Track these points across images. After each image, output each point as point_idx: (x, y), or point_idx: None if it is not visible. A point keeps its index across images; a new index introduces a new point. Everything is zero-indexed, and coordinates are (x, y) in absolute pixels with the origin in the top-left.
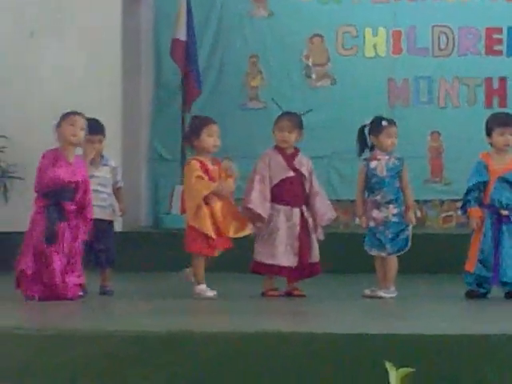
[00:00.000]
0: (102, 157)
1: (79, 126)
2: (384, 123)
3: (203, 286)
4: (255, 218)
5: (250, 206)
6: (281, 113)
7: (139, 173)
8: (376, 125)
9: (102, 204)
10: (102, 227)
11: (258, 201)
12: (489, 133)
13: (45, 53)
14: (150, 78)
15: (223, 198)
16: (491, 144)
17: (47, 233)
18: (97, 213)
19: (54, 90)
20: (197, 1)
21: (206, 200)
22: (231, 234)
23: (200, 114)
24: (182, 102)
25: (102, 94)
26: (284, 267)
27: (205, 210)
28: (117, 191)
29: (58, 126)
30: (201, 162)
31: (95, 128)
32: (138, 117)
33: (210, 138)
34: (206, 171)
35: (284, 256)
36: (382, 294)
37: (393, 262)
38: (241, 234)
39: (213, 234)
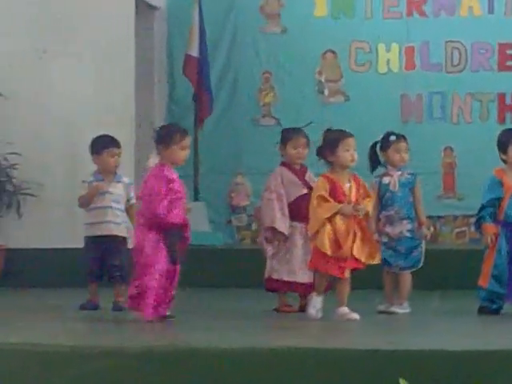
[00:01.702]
0: (115, 174)
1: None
2: (392, 138)
3: (345, 309)
4: (276, 236)
5: (276, 226)
6: (287, 129)
7: None
8: (385, 140)
9: (116, 220)
10: (115, 243)
11: (282, 220)
12: (503, 148)
13: (57, 70)
14: (163, 94)
15: (359, 219)
16: (504, 160)
17: (171, 254)
18: (111, 229)
19: (68, 107)
20: (210, 17)
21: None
22: (363, 260)
23: (213, 130)
24: (194, 117)
25: (116, 111)
26: (301, 283)
27: (327, 228)
28: (130, 208)
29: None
30: (330, 179)
31: (115, 142)
32: (151, 133)
33: (347, 153)
34: (335, 188)
35: (300, 273)
36: (395, 309)
37: (407, 278)
38: (371, 262)
39: (329, 252)
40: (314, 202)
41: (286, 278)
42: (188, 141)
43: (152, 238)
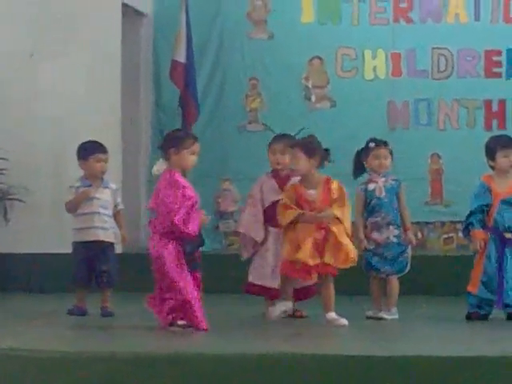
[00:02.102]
0: (102, 179)
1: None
2: (371, 145)
3: (333, 314)
4: (248, 241)
5: (241, 230)
6: (274, 135)
7: (139, 194)
8: (366, 147)
9: (103, 226)
10: (103, 249)
11: (249, 224)
12: (491, 155)
13: (45, 74)
14: (149, 100)
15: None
16: (492, 167)
17: (191, 263)
18: (98, 235)
19: (55, 112)
20: (197, 23)
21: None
22: (338, 265)
23: (200, 136)
24: (181, 123)
25: (102, 116)
26: (271, 289)
27: (289, 234)
28: (117, 214)
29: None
30: (295, 188)
31: (102, 147)
32: (137, 138)
33: (273, 156)
34: (299, 196)
35: (271, 277)
36: (384, 315)
37: (394, 284)
38: (345, 266)
39: (286, 256)
40: (278, 209)
41: (257, 282)
42: (198, 146)
43: (172, 249)
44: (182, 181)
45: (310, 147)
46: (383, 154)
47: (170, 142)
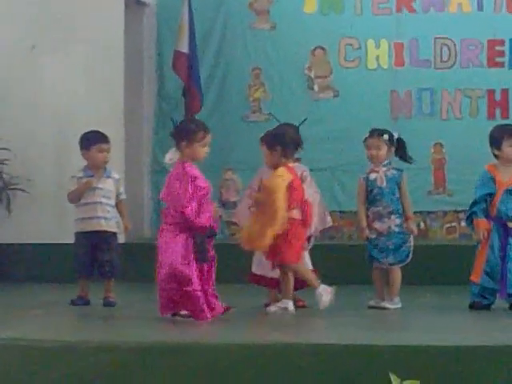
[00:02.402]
0: (104, 169)
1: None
2: (365, 135)
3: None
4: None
5: (235, 220)
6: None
7: (142, 184)
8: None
9: (106, 216)
10: (106, 239)
11: (244, 214)
12: (497, 144)
13: (47, 66)
14: (152, 90)
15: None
16: (496, 156)
17: (201, 255)
18: (101, 225)
19: (57, 103)
20: (199, 13)
21: None
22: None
23: None
24: (184, 113)
25: (105, 106)
26: (271, 279)
27: None
28: (119, 203)
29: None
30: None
31: (104, 137)
32: (140, 128)
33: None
34: None
35: (269, 267)
36: (386, 305)
37: (397, 274)
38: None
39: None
40: None
41: (258, 272)
42: (209, 138)
43: (181, 240)
44: (194, 171)
45: (269, 140)
46: (374, 144)
47: (181, 135)
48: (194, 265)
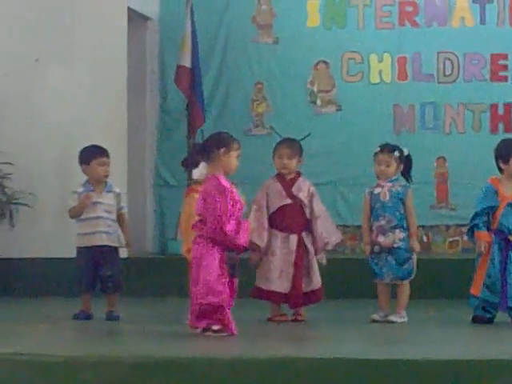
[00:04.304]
0: (105, 183)
1: None
2: (375, 150)
3: None
4: (252, 246)
5: None
6: (279, 140)
7: (145, 199)
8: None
9: (107, 230)
10: (108, 253)
11: (253, 229)
12: (504, 158)
13: (50, 79)
14: (155, 104)
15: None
16: (501, 170)
17: (231, 269)
18: (103, 239)
19: (60, 117)
20: (202, 27)
21: None
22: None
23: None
24: (187, 127)
25: (108, 120)
26: (277, 293)
27: None
28: (120, 217)
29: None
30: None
31: (104, 151)
32: (143, 143)
33: (279, 160)
34: None
35: (278, 282)
36: (393, 318)
37: (406, 287)
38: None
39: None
40: None
41: (263, 286)
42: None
43: (217, 253)
44: (229, 186)
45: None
46: (383, 160)
47: (218, 143)
48: (226, 280)
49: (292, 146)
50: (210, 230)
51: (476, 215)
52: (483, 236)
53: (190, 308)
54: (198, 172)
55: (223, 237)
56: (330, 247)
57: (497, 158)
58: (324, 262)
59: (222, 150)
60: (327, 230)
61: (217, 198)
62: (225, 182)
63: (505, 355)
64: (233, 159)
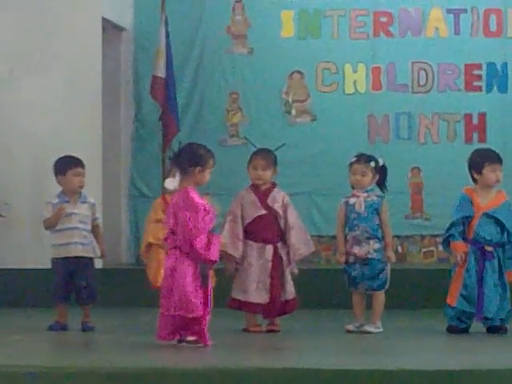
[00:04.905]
0: (80, 194)
1: None
2: (351, 160)
3: None
4: (227, 257)
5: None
6: (254, 150)
7: (120, 210)
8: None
9: (82, 241)
10: (83, 264)
11: (228, 240)
12: (478, 169)
13: (25, 90)
14: (129, 115)
15: None
16: (476, 180)
17: (203, 277)
18: (78, 250)
19: (35, 127)
20: (177, 38)
21: None
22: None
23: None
24: (161, 138)
25: (83, 131)
26: (255, 304)
27: None
28: (95, 228)
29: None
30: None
31: (79, 161)
32: (118, 153)
33: (254, 171)
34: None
35: (255, 293)
36: (369, 328)
37: (381, 297)
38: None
39: None
40: None
41: (241, 298)
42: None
43: (191, 266)
44: (200, 200)
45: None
46: (357, 169)
47: (194, 161)
48: (200, 291)
49: (267, 156)
50: (181, 243)
51: (452, 225)
52: (459, 246)
53: (159, 321)
54: (171, 185)
55: (193, 253)
56: (299, 258)
57: (470, 169)
58: (296, 271)
59: (198, 168)
60: (300, 241)
61: (188, 214)
62: (196, 197)
63: (479, 365)
64: (207, 175)
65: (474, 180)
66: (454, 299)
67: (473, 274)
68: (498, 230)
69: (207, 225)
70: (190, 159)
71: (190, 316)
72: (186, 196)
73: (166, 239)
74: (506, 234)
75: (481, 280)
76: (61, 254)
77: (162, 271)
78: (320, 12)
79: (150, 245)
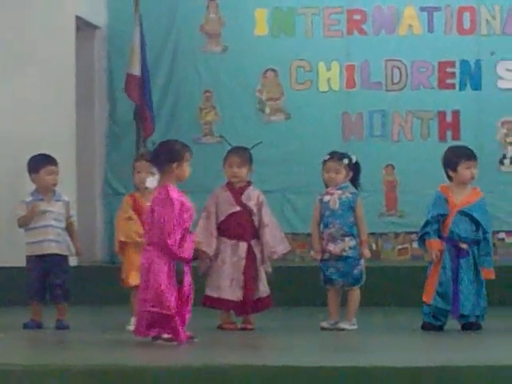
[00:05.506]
0: (54, 192)
1: None
2: (324, 157)
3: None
4: (201, 254)
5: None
6: (230, 148)
7: (94, 208)
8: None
9: (57, 239)
10: (57, 262)
11: (202, 237)
12: (452, 166)
13: None
14: (103, 113)
15: None
16: (450, 177)
17: (178, 275)
18: (52, 248)
19: (8, 126)
20: (151, 36)
21: None
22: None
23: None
24: (136, 136)
25: (56, 129)
26: (229, 301)
27: None
28: (70, 225)
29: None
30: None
31: (52, 159)
32: (92, 152)
33: (230, 169)
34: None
35: (229, 289)
36: (343, 325)
37: (356, 294)
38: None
39: None
40: None
41: (214, 295)
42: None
43: (165, 263)
44: (179, 197)
45: None
46: (333, 167)
47: (169, 157)
48: (174, 288)
49: (242, 154)
50: (156, 237)
51: (427, 223)
52: (435, 244)
53: (136, 315)
54: (151, 183)
55: (165, 249)
56: (275, 257)
57: (445, 166)
58: (269, 270)
59: (175, 164)
60: (274, 240)
61: (163, 210)
62: (174, 193)
63: (453, 362)
64: (185, 169)
65: (449, 177)
66: (429, 297)
67: (448, 272)
68: (473, 227)
69: (185, 222)
70: (166, 156)
71: (164, 312)
72: (164, 192)
73: (144, 235)
74: (480, 231)
75: (456, 277)
76: (35, 251)
77: (132, 271)
78: (293, 10)
79: (122, 243)
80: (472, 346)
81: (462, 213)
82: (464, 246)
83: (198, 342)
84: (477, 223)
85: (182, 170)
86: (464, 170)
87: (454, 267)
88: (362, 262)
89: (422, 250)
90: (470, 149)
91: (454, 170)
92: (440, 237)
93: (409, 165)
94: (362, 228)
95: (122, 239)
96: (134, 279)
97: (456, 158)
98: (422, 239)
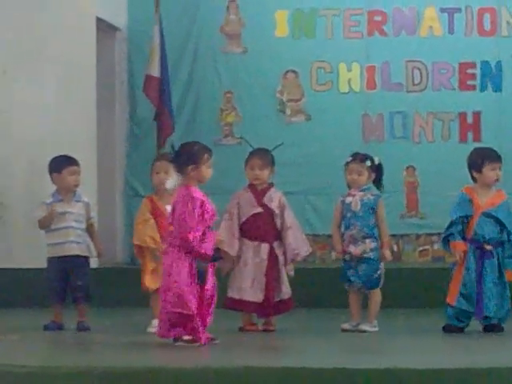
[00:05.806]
0: (74, 193)
1: None
2: (347, 159)
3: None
4: (223, 254)
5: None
6: (251, 150)
7: (115, 209)
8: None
9: (77, 240)
10: (78, 263)
11: (227, 240)
12: (478, 167)
13: (18, 91)
14: (124, 115)
15: None
16: (475, 179)
17: (200, 274)
18: (73, 249)
19: (29, 127)
20: (171, 37)
21: None
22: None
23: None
24: (156, 137)
25: (77, 131)
26: (250, 302)
27: None
28: (90, 227)
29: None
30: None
31: (74, 160)
32: (113, 153)
33: (251, 171)
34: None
35: (250, 291)
36: (365, 327)
37: (377, 296)
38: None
39: None
40: None
41: (236, 296)
42: (212, 158)
43: (186, 264)
44: (200, 196)
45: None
46: (354, 169)
47: (187, 159)
48: (195, 289)
49: (264, 156)
50: (176, 237)
51: (451, 224)
52: (459, 246)
53: (159, 316)
54: (170, 184)
55: (186, 244)
56: (299, 259)
57: (470, 168)
58: (292, 273)
59: (191, 166)
60: (297, 242)
61: (183, 207)
62: (196, 193)
63: (476, 364)
64: (204, 171)
65: (474, 179)
66: (453, 298)
67: (472, 273)
68: (498, 228)
69: (206, 221)
70: (184, 158)
71: (185, 312)
72: (185, 191)
73: (166, 237)
74: (505, 233)
75: (480, 279)
76: (56, 253)
77: (148, 275)
78: (314, 11)
79: (138, 246)
80: (494, 348)
81: (487, 214)
82: (488, 247)
83: (218, 343)
84: (501, 225)
85: (199, 171)
86: (489, 172)
87: (478, 269)
88: (382, 265)
89: (446, 251)
90: (495, 150)
91: (479, 171)
92: (464, 238)
93: (430, 166)
94: (383, 230)
95: (137, 243)
96: (150, 283)
97: (481, 159)
98: (446, 240)
